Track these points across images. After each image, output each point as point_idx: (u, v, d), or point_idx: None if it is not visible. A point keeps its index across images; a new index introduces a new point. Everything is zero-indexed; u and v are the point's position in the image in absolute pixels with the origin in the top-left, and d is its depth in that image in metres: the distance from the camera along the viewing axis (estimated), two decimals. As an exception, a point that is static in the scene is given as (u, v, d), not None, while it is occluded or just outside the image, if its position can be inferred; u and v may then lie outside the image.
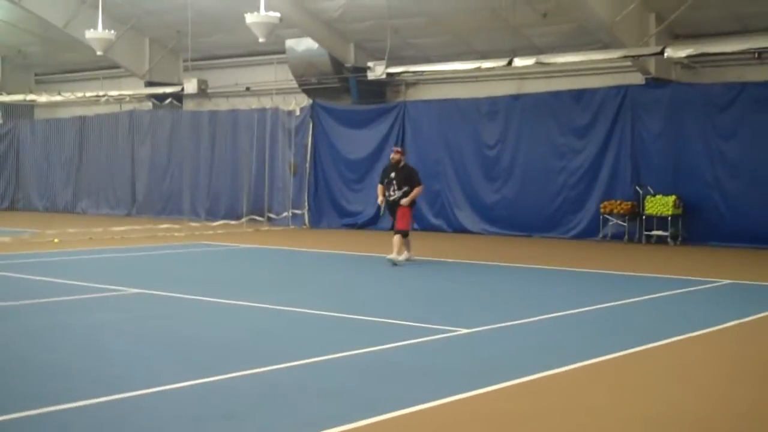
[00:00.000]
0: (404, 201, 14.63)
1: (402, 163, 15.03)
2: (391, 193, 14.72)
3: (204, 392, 6.21)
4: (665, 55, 17.97)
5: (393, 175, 14.84)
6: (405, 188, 14.71)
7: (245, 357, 7.35)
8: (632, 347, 7.94)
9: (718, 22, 18.70)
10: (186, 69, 26.69)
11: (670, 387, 6.64)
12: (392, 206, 14.82)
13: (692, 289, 12.16)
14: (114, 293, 11.00)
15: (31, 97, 29.80)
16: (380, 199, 14.96)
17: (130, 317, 9.39)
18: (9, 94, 30.06)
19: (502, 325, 9.06)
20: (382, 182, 15.01)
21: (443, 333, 8.50)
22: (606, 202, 19.41)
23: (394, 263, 14.25)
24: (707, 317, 9.78)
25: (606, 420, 5.69)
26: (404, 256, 14.61)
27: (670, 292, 11.76)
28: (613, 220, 19.39)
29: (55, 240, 18.13)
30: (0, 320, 9.13)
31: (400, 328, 8.84)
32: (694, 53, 17.94)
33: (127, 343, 7.95)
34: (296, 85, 24.47)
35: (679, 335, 8.59)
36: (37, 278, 12.30)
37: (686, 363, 7.60)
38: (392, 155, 15.18)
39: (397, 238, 14.56)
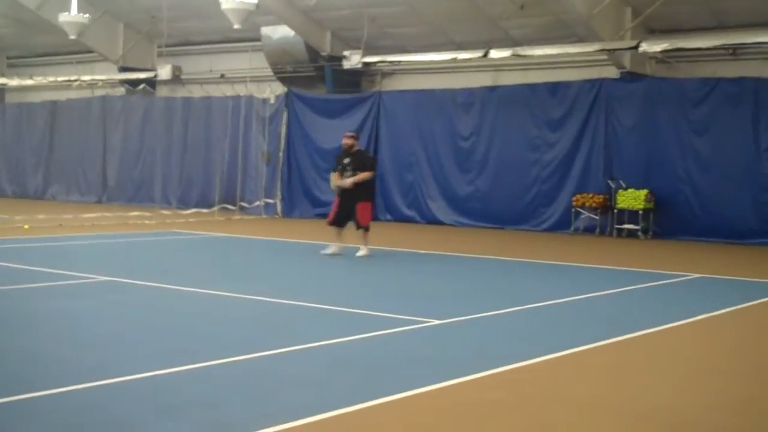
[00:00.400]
0: (347, 181, 13.97)
1: (355, 148, 14.37)
2: (346, 179, 14.08)
3: (175, 380, 6.15)
4: (640, 49, 18.07)
5: (347, 161, 14.20)
6: (359, 173, 14.12)
7: (218, 346, 7.30)
8: (605, 339, 7.98)
9: (693, 17, 18.82)
10: (160, 55, 26.44)
11: (643, 378, 6.68)
12: (346, 196, 14.15)
13: (663, 282, 12.24)
14: (84, 281, 10.90)
15: (2, 80, 29.46)
16: (334, 184, 14.37)
17: (101, 305, 9.30)
18: (-21, 76, 29.73)
19: (475, 316, 9.07)
20: (335, 169, 14.42)
21: (416, 324, 8.49)
22: (578, 195, 19.49)
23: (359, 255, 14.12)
24: (679, 310, 9.83)
25: (581, 410, 5.71)
26: (364, 251, 14.24)
27: (641, 285, 11.82)
28: (585, 214, 19.48)
29: (26, 226, 17.93)
30: (-32, 306, 9.02)
31: (373, 318, 8.82)
32: (669, 48, 18.06)
33: (99, 331, 7.87)
34: (271, 73, 24.35)
35: (652, 328, 8.64)
36: (7, 264, 12.15)
37: (659, 355, 7.64)
38: (344, 140, 14.45)
39: (361, 233, 14.23)
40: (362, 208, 14.14)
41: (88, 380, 5.96)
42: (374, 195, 14.43)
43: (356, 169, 14.13)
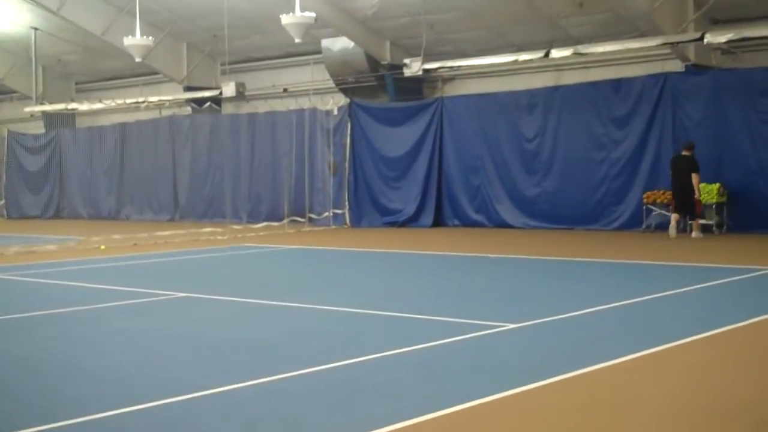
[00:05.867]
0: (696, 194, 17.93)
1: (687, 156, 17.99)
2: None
3: (256, 393, 6.25)
4: (705, 41, 17.76)
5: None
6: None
7: (295, 357, 7.39)
8: (682, 338, 7.85)
9: (757, 5, 18.46)
10: (224, 72, 26.87)
11: (726, 376, 6.57)
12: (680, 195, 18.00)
13: (741, 277, 12.01)
14: (162, 297, 11.12)
15: (72, 105, 30.17)
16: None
17: (179, 320, 9.49)
18: (51, 103, 30.49)
19: (550, 319, 9.02)
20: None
21: (491, 329, 8.48)
22: (649, 192, 19.23)
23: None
24: (758, 305, 9.64)
25: (661, 411, 5.64)
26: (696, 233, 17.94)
27: (718, 281, 11.62)
28: (657, 210, 19.20)
29: (102, 247, 18.35)
30: (50, 327, 9.26)
31: (448, 324, 8.84)
32: (735, 38, 17.72)
33: (179, 346, 8.03)
34: (333, 85, 24.54)
35: (732, 324, 8.48)
36: (85, 285, 12.46)
37: (742, 351, 7.51)
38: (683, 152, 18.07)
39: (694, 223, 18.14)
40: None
41: (170, 395, 6.09)
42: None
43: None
